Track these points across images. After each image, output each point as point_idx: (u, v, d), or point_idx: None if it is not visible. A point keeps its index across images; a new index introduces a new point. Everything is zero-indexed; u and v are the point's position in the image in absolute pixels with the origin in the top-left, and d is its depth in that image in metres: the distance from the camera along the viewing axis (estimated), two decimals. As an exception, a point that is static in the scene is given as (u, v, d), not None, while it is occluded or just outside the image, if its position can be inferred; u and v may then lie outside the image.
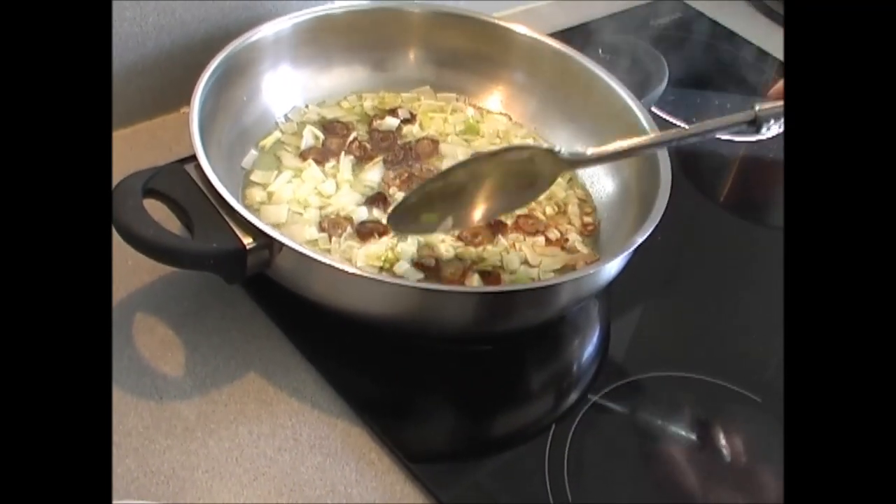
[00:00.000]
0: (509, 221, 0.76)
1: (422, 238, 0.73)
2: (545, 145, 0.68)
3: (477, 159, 0.74)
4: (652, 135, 0.74)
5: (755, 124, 0.65)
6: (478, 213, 0.71)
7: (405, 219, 0.70)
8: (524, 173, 0.70)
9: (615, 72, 0.84)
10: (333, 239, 0.72)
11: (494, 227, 0.75)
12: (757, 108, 0.65)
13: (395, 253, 0.72)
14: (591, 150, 0.69)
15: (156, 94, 0.84)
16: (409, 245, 0.72)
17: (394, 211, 0.71)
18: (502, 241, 0.75)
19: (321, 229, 0.73)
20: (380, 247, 0.72)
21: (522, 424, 0.68)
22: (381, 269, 0.70)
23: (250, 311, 0.70)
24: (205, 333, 0.68)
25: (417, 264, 0.71)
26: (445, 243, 0.73)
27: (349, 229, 0.73)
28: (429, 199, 0.70)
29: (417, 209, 0.70)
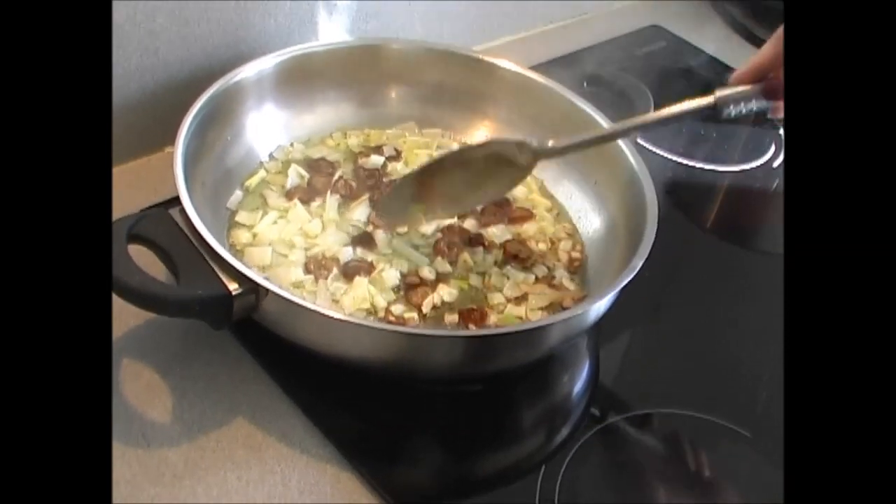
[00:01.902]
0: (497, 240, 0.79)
1: (405, 266, 0.74)
2: (519, 138, 0.73)
3: (460, 150, 0.77)
4: (616, 124, 0.76)
5: (716, 109, 0.67)
6: (463, 202, 0.76)
7: (393, 209, 0.75)
8: (503, 163, 0.73)
9: (599, 104, 0.84)
10: (320, 281, 0.72)
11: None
12: (717, 93, 0.67)
13: (381, 280, 0.72)
14: (551, 142, 0.72)
15: (140, 134, 0.84)
16: (394, 272, 0.73)
17: (383, 202, 0.75)
18: (488, 257, 0.77)
19: (307, 271, 0.73)
20: (363, 288, 0.71)
21: (512, 464, 0.68)
22: (369, 312, 0.70)
23: (237, 355, 0.69)
24: (192, 378, 0.68)
25: (405, 285, 0.73)
26: (428, 268, 0.75)
27: (335, 270, 0.73)
28: (416, 189, 0.74)
29: (405, 199, 0.74)
